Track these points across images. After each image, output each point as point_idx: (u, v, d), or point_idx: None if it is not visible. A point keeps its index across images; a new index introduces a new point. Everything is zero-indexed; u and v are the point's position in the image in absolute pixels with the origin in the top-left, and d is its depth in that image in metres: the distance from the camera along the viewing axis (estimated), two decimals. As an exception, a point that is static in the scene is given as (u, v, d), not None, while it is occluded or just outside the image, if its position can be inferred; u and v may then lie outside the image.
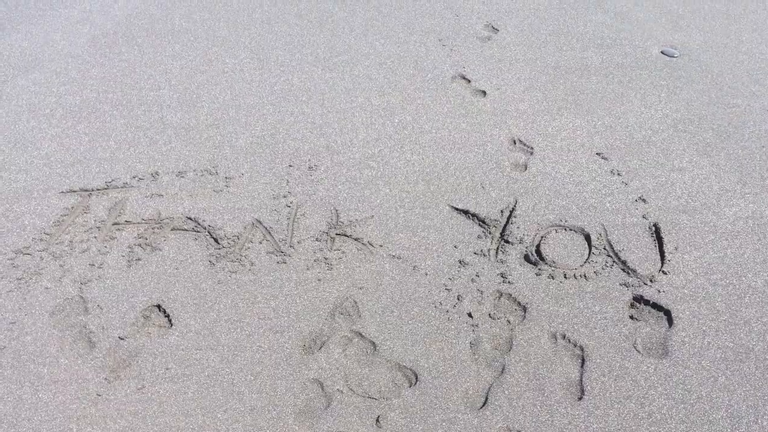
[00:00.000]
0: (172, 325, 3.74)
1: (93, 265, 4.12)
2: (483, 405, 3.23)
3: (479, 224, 4.39)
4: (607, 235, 4.23)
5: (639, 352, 3.45)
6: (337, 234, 4.35)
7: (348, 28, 7.27)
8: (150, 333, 3.69)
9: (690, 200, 4.50)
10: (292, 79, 6.21)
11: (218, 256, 4.17)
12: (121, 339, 3.65)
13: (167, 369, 3.48)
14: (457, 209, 4.53)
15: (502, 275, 3.97)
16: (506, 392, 3.27)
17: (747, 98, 5.75)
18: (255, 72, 6.36)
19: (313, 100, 5.85)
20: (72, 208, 4.56)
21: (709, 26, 7.19)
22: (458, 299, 3.82)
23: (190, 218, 4.46)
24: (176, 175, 4.86)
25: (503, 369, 3.40)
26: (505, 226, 4.36)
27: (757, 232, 4.22)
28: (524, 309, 3.75)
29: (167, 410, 3.28)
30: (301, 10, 7.77)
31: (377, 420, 3.18)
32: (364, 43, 6.92)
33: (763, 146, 5.07)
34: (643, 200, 4.50)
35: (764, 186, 4.64)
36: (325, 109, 5.73)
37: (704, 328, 3.56)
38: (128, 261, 4.15)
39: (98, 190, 4.73)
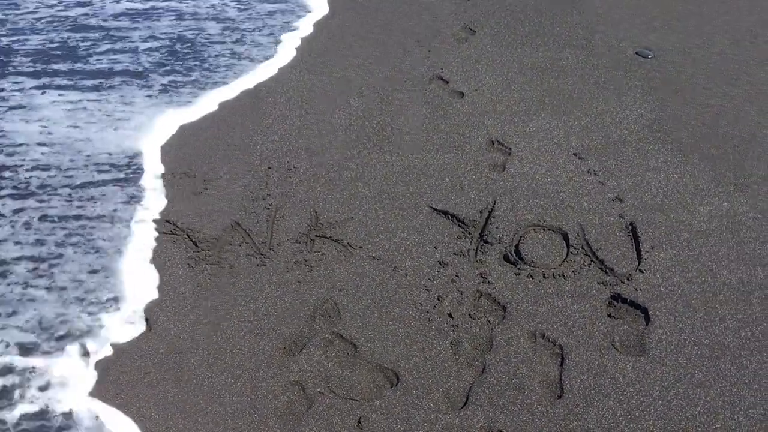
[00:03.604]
0: (150, 329, 3.71)
1: (70, 269, 4.08)
2: (464, 405, 3.24)
3: (458, 225, 4.41)
4: (584, 234, 4.27)
5: (617, 350, 3.49)
6: (316, 236, 4.34)
7: (326, 30, 7.27)
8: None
9: (665, 199, 4.56)
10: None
11: (197, 259, 4.15)
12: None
13: (146, 373, 3.45)
14: (436, 210, 4.54)
15: (482, 275, 3.99)
16: (487, 392, 3.28)
17: (720, 98, 5.84)
18: (232, 74, 6.34)
19: (292, 102, 5.84)
20: (47, 211, 4.51)
21: (682, 27, 7.29)
22: (438, 300, 3.84)
23: (168, 221, 4.43)
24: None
25: (484, 368, 3.41)
26: (484, 226, 4.39)
27: (731, 230, 4.29)
28: (504, 309, 3.77)
29: (146, 415, 3.25)
30: (279, 12, 7.75)
31: (359, 421, 3.18)
32: (342, 45, 6.91)
33: (736, 146, 5.15)
34: (620, 199, 4.55)
35: (737, 185, 4.71)
36: (303, 110, 5.72)
37: (680, 325, 3.61)
38: (106, 265, 4.11)
39: (74, 193, 4.67)
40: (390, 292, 3.90)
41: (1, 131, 5.45)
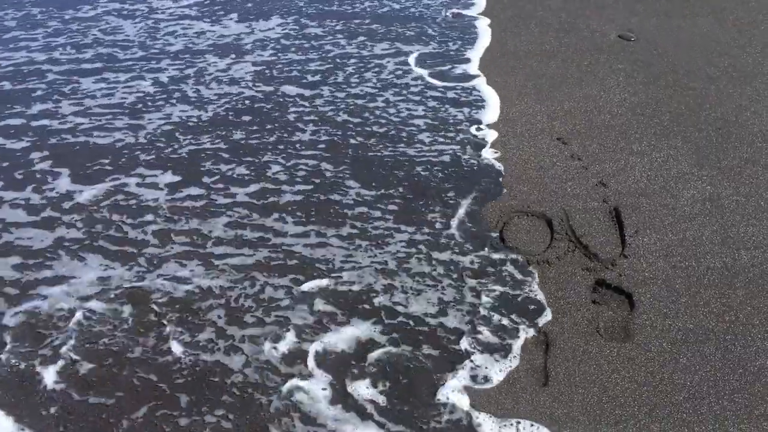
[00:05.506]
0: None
1: None
2: (449, 394, 3.22)
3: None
4: (568, 219, 4.24)
5: (602, 336, 3.47)
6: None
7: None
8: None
9: (649, 183, 4.54)
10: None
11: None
12: None
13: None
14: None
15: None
16: (472, 380, 3.26)
17: (703, 81, 5.82)
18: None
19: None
20: None
21: (664, 10, 7.27)
22: (423, 288, 3.81)
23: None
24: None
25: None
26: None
27: (715, 213, 4.27)
28: (488, 296, 3.75)
29: None
30: None
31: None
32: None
33: (719, 129, 5.14)
34: (603, 184, 4.53)
35: (720, 168, 4.70)
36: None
37: (665, 310, 3.59)
38: None
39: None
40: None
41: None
